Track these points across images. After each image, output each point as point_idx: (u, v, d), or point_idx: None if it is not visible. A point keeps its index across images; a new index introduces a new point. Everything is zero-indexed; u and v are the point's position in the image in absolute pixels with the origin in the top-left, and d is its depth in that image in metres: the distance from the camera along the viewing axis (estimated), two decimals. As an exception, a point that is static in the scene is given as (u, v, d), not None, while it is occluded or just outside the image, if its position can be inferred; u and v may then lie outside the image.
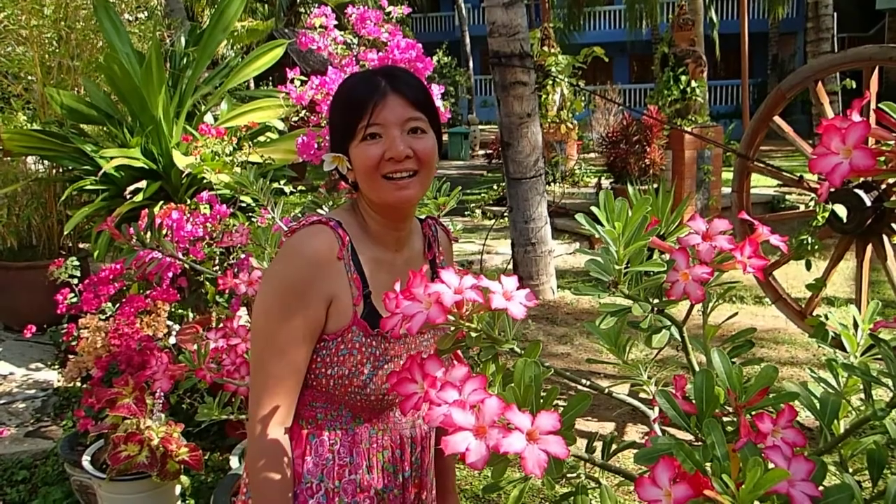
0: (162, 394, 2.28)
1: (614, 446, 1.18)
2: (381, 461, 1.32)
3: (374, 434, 1.31)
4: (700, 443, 0.97)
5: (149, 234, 1.99)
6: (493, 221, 7.62)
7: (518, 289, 1.01)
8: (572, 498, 1.13)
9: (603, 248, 1.10)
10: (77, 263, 3.67)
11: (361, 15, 2.80)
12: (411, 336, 1.31)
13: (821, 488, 0.80)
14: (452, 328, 1.05)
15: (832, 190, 3.41)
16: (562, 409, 0.94)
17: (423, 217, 1.42)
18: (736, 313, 1.34)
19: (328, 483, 1.28)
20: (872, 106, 3.45)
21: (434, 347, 1.35)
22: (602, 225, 1.07)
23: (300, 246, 1.24)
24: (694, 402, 1.03)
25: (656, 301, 1.14)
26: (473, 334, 1.04)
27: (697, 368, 1.18)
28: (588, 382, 1.19)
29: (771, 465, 0.83)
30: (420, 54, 2.69)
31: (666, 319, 1.16)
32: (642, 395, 2.02)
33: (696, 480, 0.81)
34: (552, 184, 8.71)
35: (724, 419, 1.04)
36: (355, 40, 2.98)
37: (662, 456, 0.86)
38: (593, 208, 1.04)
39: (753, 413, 0.99)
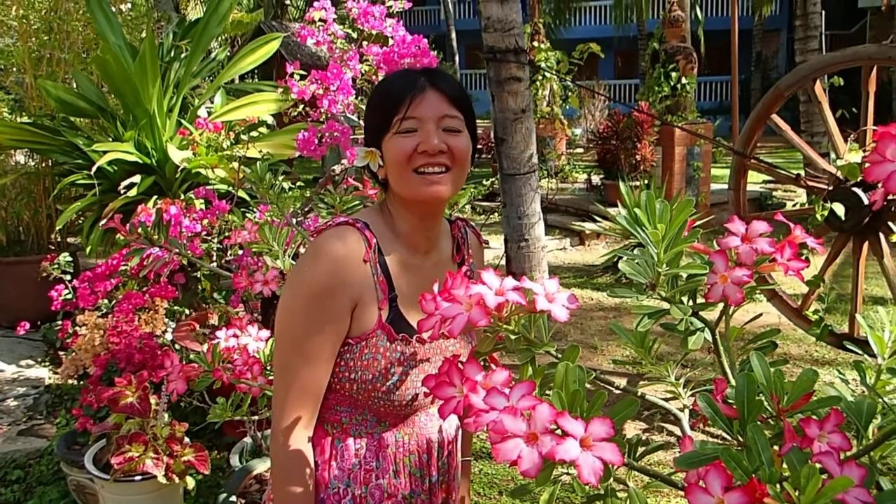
0: (167, 393, 2.25)
1: (641, 448, 1.17)
2: (409, 466, 1.29)
3: (400, 438, 1.29)
4: (740, 447, 0.96)
5: (156, 230, 1.96)
6: (483, 217, 7.60)
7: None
8: (600, 501, 1.12)
9: (640, 248, 1.09)
10: (69, 259, 3.62)
11: (364, 10, 2.76)
12: (436, 340, 1.29)
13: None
14: (489, 331, 1.03)
15: (830, 188, 3.43)
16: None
17: (452, 219, 1.39)
18: (760, 314, 1.33)
19: (355, 488, 1.26)
20: (870, 106, 3.47)
21: (461, 351, 1.33)
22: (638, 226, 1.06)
23: (327, 247, 1.21)
24: (734, 405, 1.02)
25: (691, 303, 1.13)
26: (513, 337, 1.02)
27: (728, 371, 1.18)
28: (622, 384, 1.18)
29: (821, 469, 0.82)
30: (425, 49, 2.64)
31: (699, 322, 1.16)
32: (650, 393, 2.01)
33: (752, 488, 0.80)
34: (542, 179, 8.72)
35: (761, 423, 1.04)
36: (354, 35, 2.94)
37: (713, 461, 0.85)
38: (636, 209, 1.03)
39: (796, 417, 0.98)
